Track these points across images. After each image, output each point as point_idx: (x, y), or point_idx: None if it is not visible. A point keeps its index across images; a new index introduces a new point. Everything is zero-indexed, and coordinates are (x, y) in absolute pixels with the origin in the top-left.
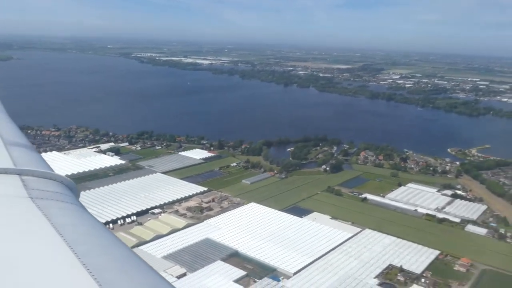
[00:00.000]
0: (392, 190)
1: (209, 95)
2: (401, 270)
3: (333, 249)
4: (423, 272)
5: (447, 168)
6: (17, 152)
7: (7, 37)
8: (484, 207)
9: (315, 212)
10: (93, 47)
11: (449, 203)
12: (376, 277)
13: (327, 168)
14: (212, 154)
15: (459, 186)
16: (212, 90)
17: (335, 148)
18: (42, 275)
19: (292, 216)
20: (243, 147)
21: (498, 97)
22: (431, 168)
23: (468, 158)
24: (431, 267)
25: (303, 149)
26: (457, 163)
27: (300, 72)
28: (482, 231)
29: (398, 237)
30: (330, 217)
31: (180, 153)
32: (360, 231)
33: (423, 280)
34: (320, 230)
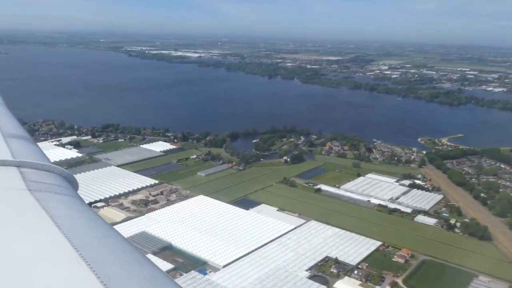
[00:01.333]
0: (350, 181)
1: (189, 88)
2: (336, 262)
3: (271, 241)
4: (358, 263)
5: (412, 157)
6: (16, 144)
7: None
8: (440, 197)
9: (262, 204)
10: (85, 41)
11: (404, 193)
12: (309, 269)
13: (288, 159)
14: (174, 147)
15: (419, 176)
16: (194, 83)
17: (302, 139)
18: (40, 267)
19: (238, 208)
20: (208, 139)
21: (484, 87)
22: (395, 158)
23: (437, 147)
24: (369, 258)
25: (267, 141)
26: (423, 152)
27: (288, 64)
28: (431, 221)
29: (343, 228)
30: (277, 208)
31: (141, 145)
32: (305, 222)
33: (356, 272)
34: (262, 222)
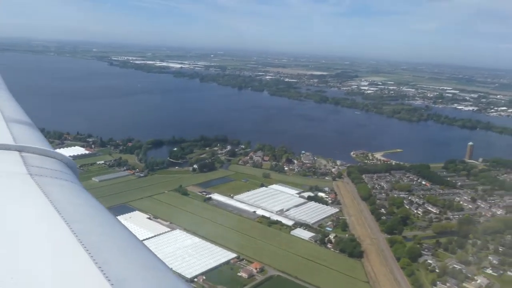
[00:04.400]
0: (248, 191)
1: (147, 97)
2: None
3: None
4: (195, 276)
5: (332, 170)
6: (18, 128)
7: None
8: (335, 211)
9: (136, 211)
10: (76, 50)
11: (297, 206)
12: None
13: (196, 168)
14: (88, 152)
15: (326, 189)
16: (157, 92)
17: (228, 148)
18: (39, 252)
19: None
20: (128, 145)
21: (455, 105)
22: (313, 170)
23: (366, 161)
24: (213, 271)
25: (186, 149)
26: (347, 165)
27: (267, 77)
28: (306, 235)
29: (207, 238)
30: (148, 216)
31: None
32: (169, 231)
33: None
34: None
